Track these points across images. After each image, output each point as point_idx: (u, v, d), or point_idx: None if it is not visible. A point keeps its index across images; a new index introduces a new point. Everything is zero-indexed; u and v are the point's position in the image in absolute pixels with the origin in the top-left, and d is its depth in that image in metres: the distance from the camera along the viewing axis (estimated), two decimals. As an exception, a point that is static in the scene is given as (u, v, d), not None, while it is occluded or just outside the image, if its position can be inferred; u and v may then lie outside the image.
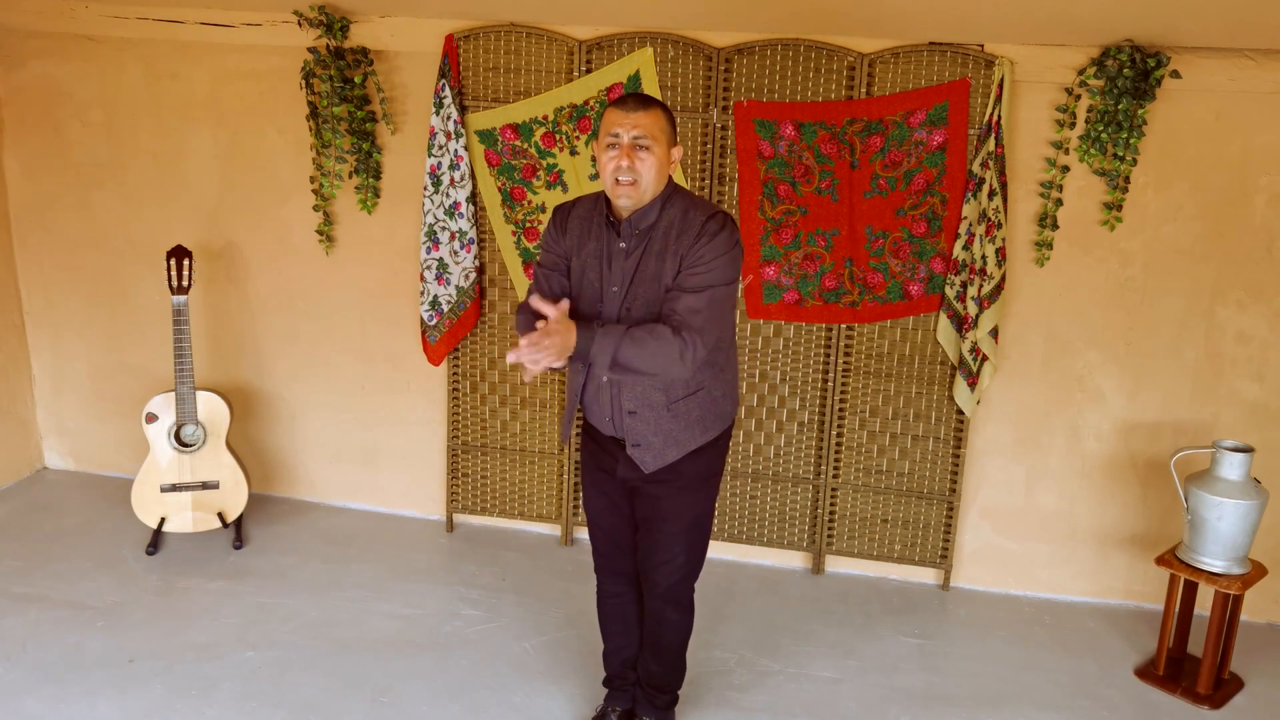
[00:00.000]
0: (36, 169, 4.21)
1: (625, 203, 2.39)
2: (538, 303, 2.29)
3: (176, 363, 3.72)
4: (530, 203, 3.76)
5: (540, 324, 2.27)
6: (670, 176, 2.46)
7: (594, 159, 3.65)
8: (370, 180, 3.86)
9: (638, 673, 2.91)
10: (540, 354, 2.22)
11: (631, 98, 2.38)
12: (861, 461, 3.82)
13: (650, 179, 2.37)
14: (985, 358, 3.54)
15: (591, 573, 2.91)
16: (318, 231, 3.99)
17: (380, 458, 4.25)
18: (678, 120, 3.61)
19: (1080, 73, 3.35)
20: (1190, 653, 3.43)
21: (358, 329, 4.12)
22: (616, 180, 2.36)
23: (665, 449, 2.53)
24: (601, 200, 2.50)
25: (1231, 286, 3.48)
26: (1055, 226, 3.50)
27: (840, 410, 3.78)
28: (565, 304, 2.32)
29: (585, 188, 3.69)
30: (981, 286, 3.46)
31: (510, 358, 2.22)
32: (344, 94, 3.70)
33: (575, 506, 4.07)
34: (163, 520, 3.83)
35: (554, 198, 3.73)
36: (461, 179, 3.72)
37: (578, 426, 3.72)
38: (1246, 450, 3.19)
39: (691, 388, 2.51)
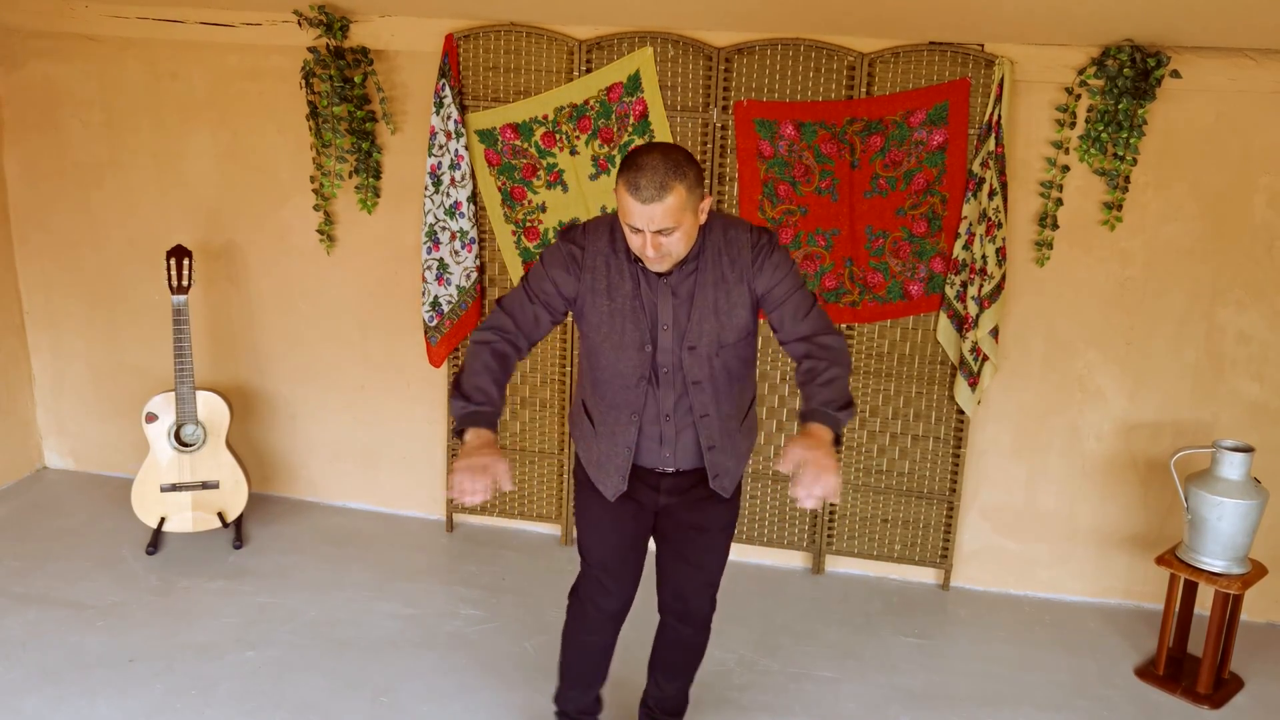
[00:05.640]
0: (36, 169, 4.20)
1: (658, 269, 2.24)
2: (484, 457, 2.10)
3: (176, 363, 3.72)
4: (530, 202, 3.76)
5: (475, 461, 2.09)
6: None
7: (594, 158, 3.66)
8: (370, 180, 3.86)
9: (651, 700, 2.82)
10: (480, 486, 2.06)
11: (645, 178, 2.08)
12: (861, 461, 3.82)
13: (681, 249, 2.21)
14: (986, 358, 3.54)
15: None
16: (318, 231, 3.99)
17: (380, 458, 4.25)
18: (678, 121, 3.61)
19: (1080, 72, 3.35)
20: (1190, 653, 3.43)
21: (358, 329, 4.12)
22: (645, 256, 2.20)
23: (737, 468, 2.48)
24: (620, 234, 2.28)
25: (1231, 286, 3.48)
26: (1055, 226, 3.50)
27: (840, 410, 3.78)
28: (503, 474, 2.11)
29: (585, 188, 3.69)
30: (982, 286, 3.46)
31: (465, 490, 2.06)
32: (344, 94, 3.70)
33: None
34: (163, 520, 3.83)
35: (554, 197, 3.73)
36: (462, 179, 3.72)
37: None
38: (1246, 450, 3.19)
39: (749, 399, 2.47)
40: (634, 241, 2.19)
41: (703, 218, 2.23)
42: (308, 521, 4.18)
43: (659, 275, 2.28)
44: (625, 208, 2.14)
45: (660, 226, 2.12)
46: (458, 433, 2.20)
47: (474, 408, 2.21)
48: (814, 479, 1.99)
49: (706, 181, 3.64)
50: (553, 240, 2.42)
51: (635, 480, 2.46)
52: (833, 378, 2.20)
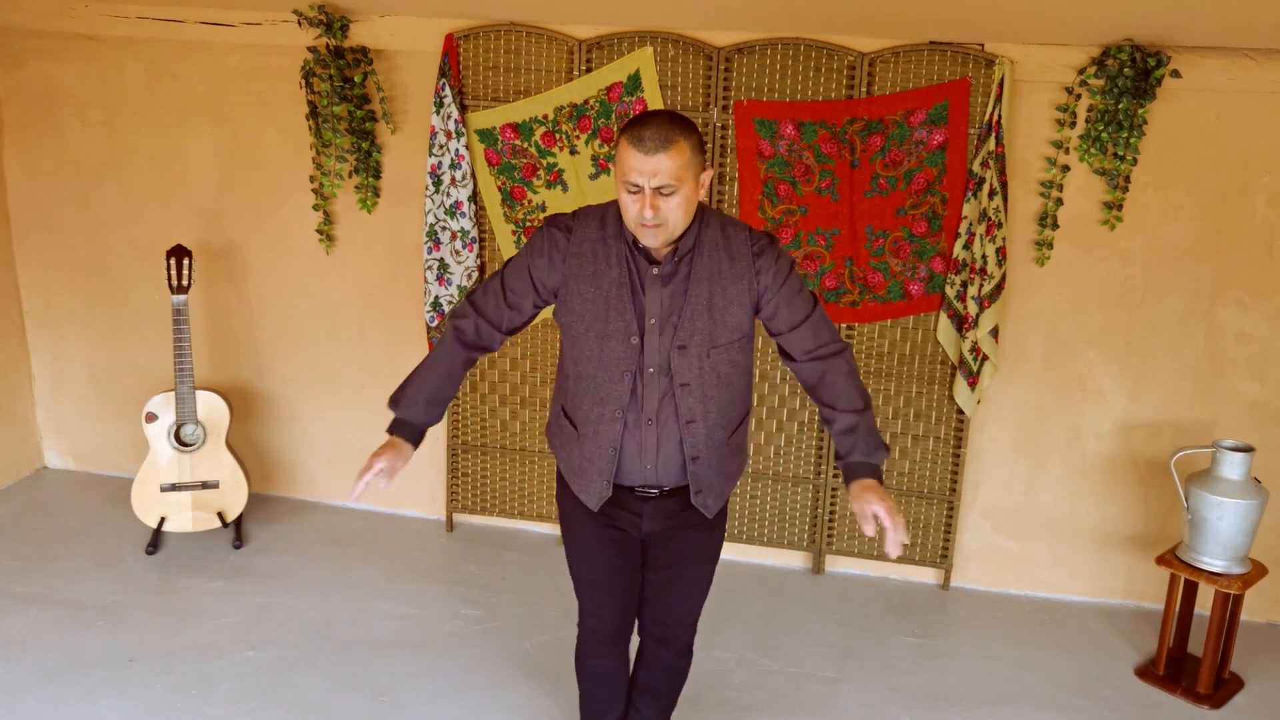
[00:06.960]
0: (36, 168, 4.21)
1: (652, 243, 2.16)
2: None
3: (176, 362, 3.72)
4: (530, 202, 3.76)
5: (382, 461, 2.39)
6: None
7: (594, 158, 3.66)
8: (370, 180, 3.86)
9: None
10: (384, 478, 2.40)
11: (650, 131, 2.06)
12: (861, 461, 3.82)
13: (679, 218, 2.13)
14: (985, 357, 3.54)
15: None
16: (318, 231, 3.99)
17: (380, 457, 4.24)
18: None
19: (1080, 72, 3.35)
20: (1190, 653, 3.43)
21: (357, 328, 4.12)
22: (641, 223, 2.12)
23: (724, 487, 2.37)
24: (612, 219, 2.24)
25: (1231, 286, 3.48)
26: (1055, 226, 3.50)
27: (840, 410, 3.77)
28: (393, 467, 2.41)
29: (585, 187, 3.69)
30: (982, 286, 3.46)
31: (361, 487, 2.38)
32: (344, 93, 3.70)
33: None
34: (162, 520, 3.83)
35: (554, 197, 3.73)
36: (463, 178, 3.72)
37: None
38: (1247, 450, 3.19)
39: (743, 413, 2.36)
40: (631, 209, 2.12)
41: (703, 192, 2.17)
42: (308, 521, 4.18)
43: (650, 262, 2.21)
44: (626, 163, 2.08)
45: (661, 183, 2.06)
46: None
47: (398, 417, 2.49)
48: (895, 528, 2.13)
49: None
50: None
51: (616, 507, 2.36)
52: (862, 424, 2.25)
